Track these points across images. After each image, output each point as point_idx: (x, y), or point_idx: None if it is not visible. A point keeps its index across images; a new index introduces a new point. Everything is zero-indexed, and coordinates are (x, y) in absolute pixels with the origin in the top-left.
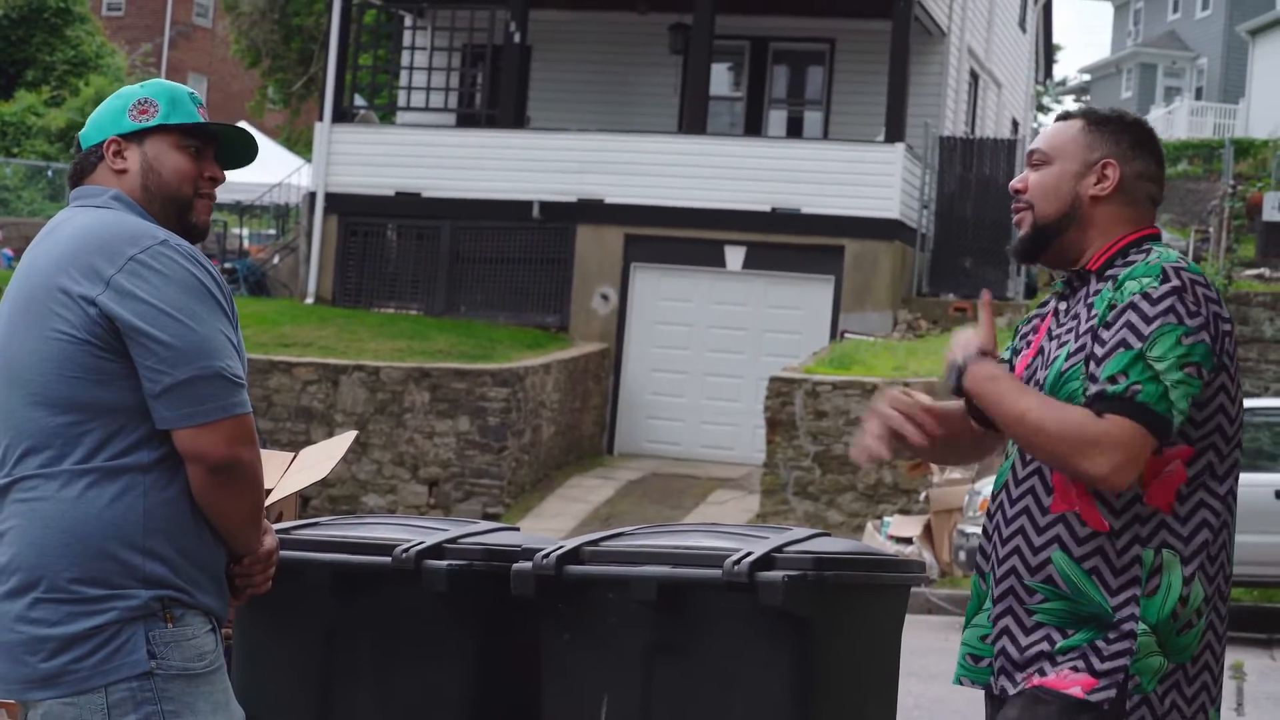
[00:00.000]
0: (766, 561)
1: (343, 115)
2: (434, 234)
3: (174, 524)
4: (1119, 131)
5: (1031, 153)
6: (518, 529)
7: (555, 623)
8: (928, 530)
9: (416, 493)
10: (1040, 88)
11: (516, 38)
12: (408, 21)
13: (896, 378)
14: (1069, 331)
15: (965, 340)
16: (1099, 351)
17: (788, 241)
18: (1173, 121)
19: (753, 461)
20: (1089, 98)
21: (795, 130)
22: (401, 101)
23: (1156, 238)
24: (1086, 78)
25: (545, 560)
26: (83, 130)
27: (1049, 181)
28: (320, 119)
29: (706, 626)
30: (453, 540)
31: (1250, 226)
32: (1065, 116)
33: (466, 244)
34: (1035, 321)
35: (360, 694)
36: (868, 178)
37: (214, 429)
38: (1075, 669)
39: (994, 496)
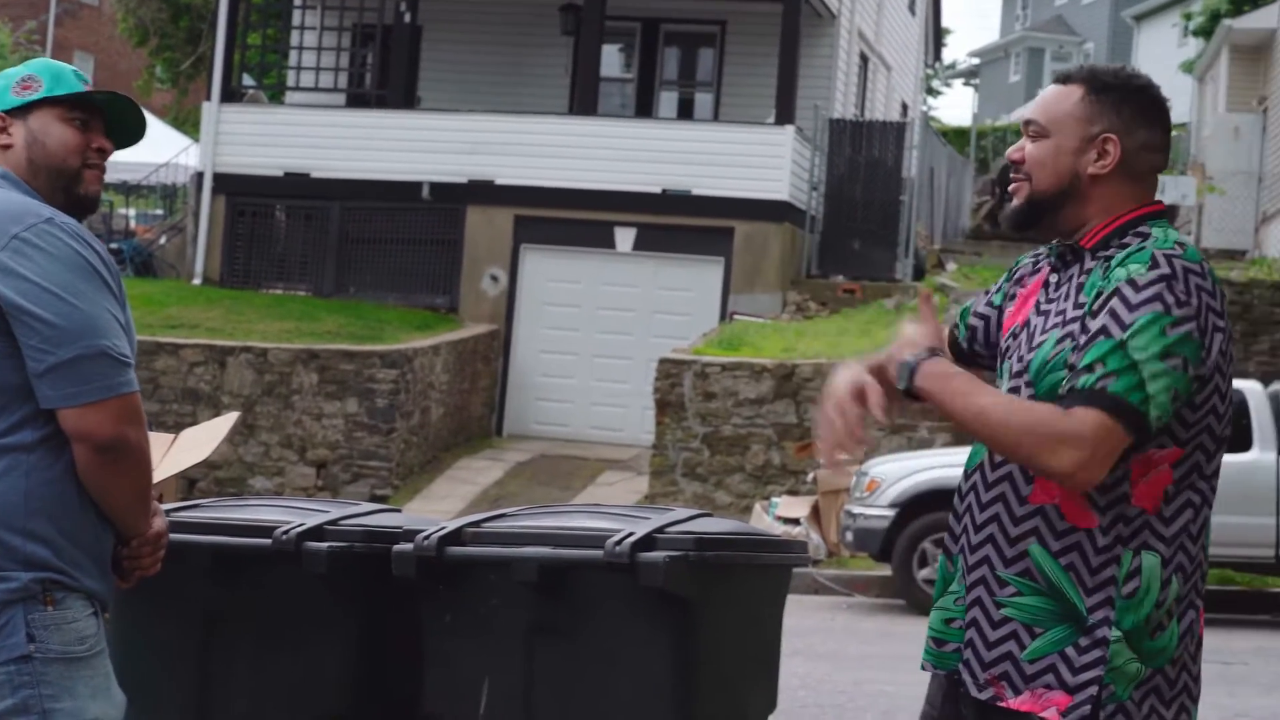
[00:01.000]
0: (648, 542)
1: (231, 95)
2: (323, 215)
3: (57, 505)
4: (1121, 101)
5: (1028, 123)
6: (400, 510)
7: (436, 604)
8: (815, 511)
9: (304, 475)
10: (930, 71)
11: (407, 17)
12: (297, 1)
13: (786, 359)
14: (1058, 313)
15: (910, 337)
16: (1080, 338)
17: (678, 223)
18: None
19: (642, 443)
20: (977, 81)
21: (686, 112)
22: (291, 81)
23: (1159, 214)
24: (976, 61)
25: (426, 542)
26: None
27: (1045, 156)
28: (208, 98)
29: (588, 607)
30: (333, 522)
31: None
32: (1065, 79)
33: (356, 225)
34: (1026, 279)
35: (239, 676)
36: (758, 159)
37: (99, 408)
38: (1048, 686)
39: (966, 475)
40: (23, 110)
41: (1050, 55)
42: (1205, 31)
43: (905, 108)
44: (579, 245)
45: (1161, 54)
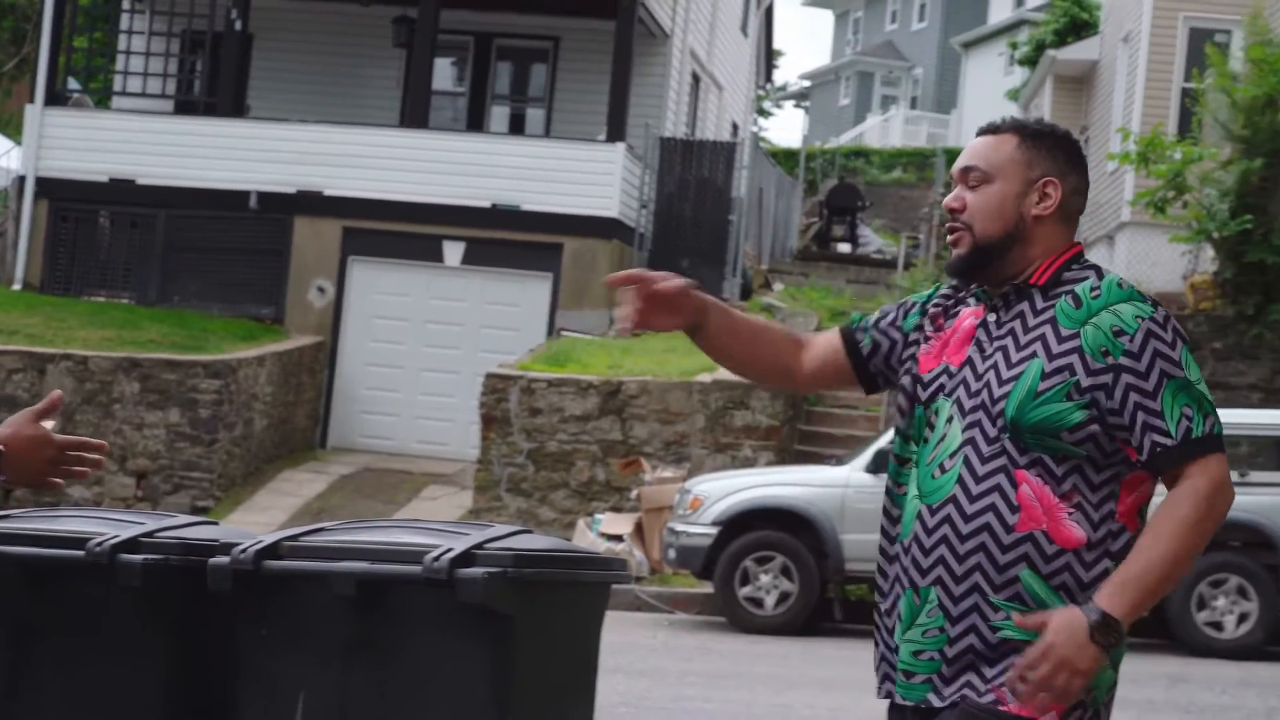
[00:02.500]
0: (466, 558)
1: (56, 98)
2: (149, 222)
3: None
4: (1054, 147)
5: (967, 170)
6: (217, 523)
7: (252, 619)
8: (638, 528)
9: (124, 485)
10: (761, 92)
11: (238, 25)
12: (126, 4)
13: (612, 376)
14: (1025, 346)
15: (1055, 621)
16: (1140, 384)
17: (507, 238)
18: (888, 129)
19: (467, 457)
20: (808, 103)
21: (517, 127)
22: (118, 86)
23: (1083, 254)
24: (807, 83)
25: (243, 555)
26: None
27: (992, 202)
28: (32, 101)
29: (406, 623)
30: (149, 534)
31: None
32: (994, 130)
33: (182, 233)
34: (944, 321)
35: (49, 692)
36: (588, 176)
37: None
38: None
39: (931, 510)
40: None
41: (880, 79)
42: (1030, 61)
43: (736, 128)
44: (407, 258)
45: (988, 81)
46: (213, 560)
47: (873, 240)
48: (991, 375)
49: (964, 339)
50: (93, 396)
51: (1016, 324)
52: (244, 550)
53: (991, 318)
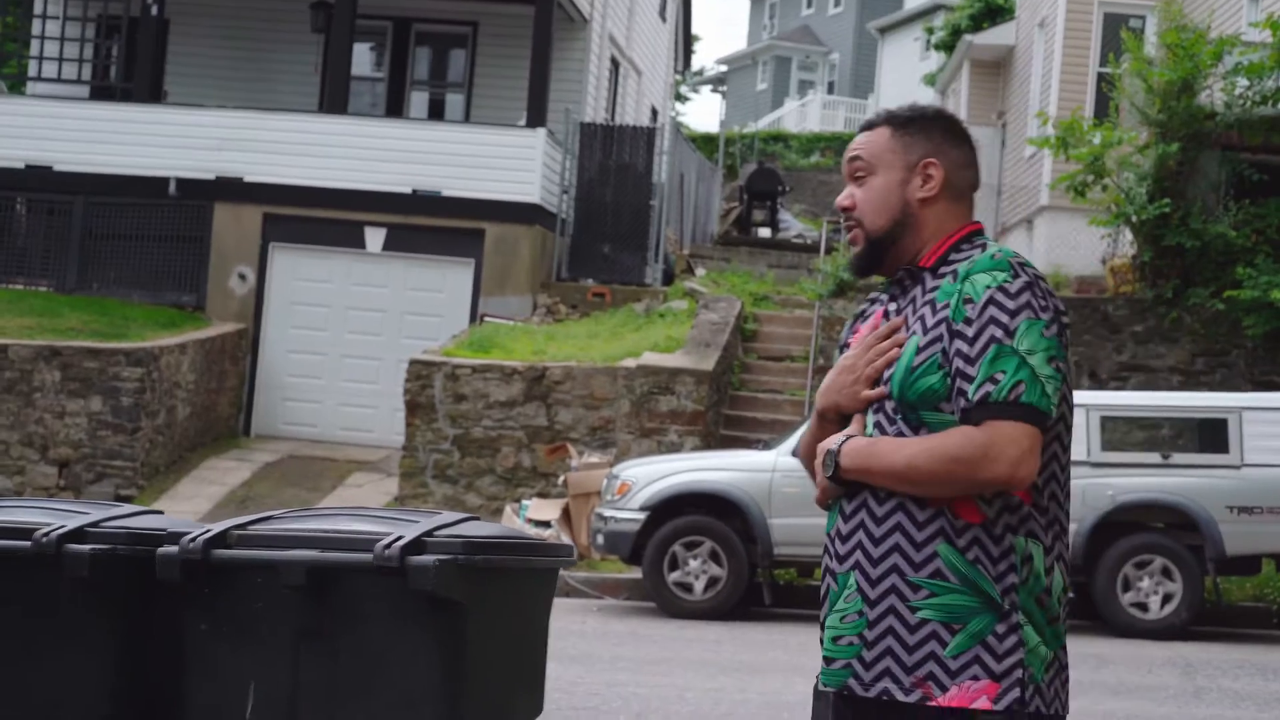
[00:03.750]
0: (417, 546)
1: None
2: (66, 209)
3: None
4: (929, 128)
5: (851, 160)
6: (161, 512)
7: (200, 608)
8: (566, 514)
9: (46, 474)
10: (679, 77)
11: (154, 10)
12: None
13: (536, 361)
14: (909, 328)
15: (835, 435)
16: (964, 349)
17: (428, 224)
18: (806, 114)
19: (391, 444)
20: (725, 88)
21: (437, 112)
22: (32, 72)
23: (980, 232)
24: (724, 68)
25: (192, 544)
26: None
27: (875, 194)
28: None
29: (356, 611)
30: (95, 524)
31: None
32: (869, 126)
33: (100, 220)
34: (860, 323)
35: None
36: (509, 162)
37: None
38: (975, 678)
39: (848, 498)
40: None
41: (797, 64)
42: (947, 46)
43: (655, 113)
44: (329, 245)
45: (904, 66)
46: (161, 550)
47: (793, 225)
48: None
49: (870, 331)
50: (13, 385)
51: (909, 308)
52: (193, 539)
53: (892, 306)
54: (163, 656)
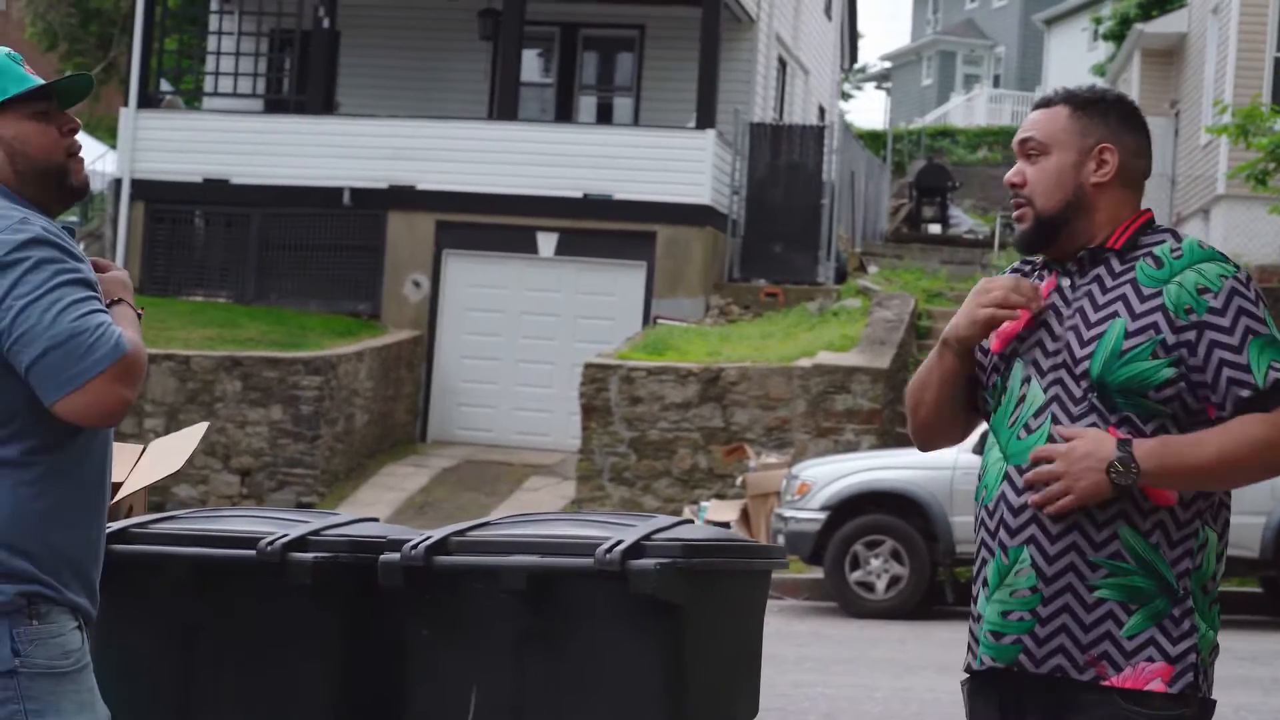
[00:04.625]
0: (637, 549)
1: (148, 100)
2: (243, 221)
3: (44, 519)
4: (1105, 112)
5: (1025, 140)
6: (377, 519)
7: (421, 614)
8: (744, 515)
9: (229, 482)
10: (844, 75)
11: (325, 22)
12: (214, 5)
13: (711, 363)
14: (1104, 306)
15: (1090, 437)
16: (1224, 339)
17: (600, 227)
18: (972, 109)
19: (566, 447)
20: (890, 85)
21: (606, 116)
22: (208, 87)
23: (1154, 220)
24: (888, 65)
25: (414, 551)
26: None
27: (1049, 174)
28: (125, 104)
29: (577, 615)
30: (316, 532)
31: None
32: (1046, 103)
33: (276, 231)
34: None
35: (222, 690)
36: (679, 164)
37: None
38: (1150, 659)
39: (1020, 470)
40: None
41: (962, 58)
42: (1116, 36)
43: (822, 111)
44: (501, 250)
45: (1072, 57)
46: (384, 556)
47: (963, 220)
48: (1071, 335)
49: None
50: (195, 396)
51: (1093, 286)
52: (414, 546)
53: (1065, 282)
54: (384, 662)
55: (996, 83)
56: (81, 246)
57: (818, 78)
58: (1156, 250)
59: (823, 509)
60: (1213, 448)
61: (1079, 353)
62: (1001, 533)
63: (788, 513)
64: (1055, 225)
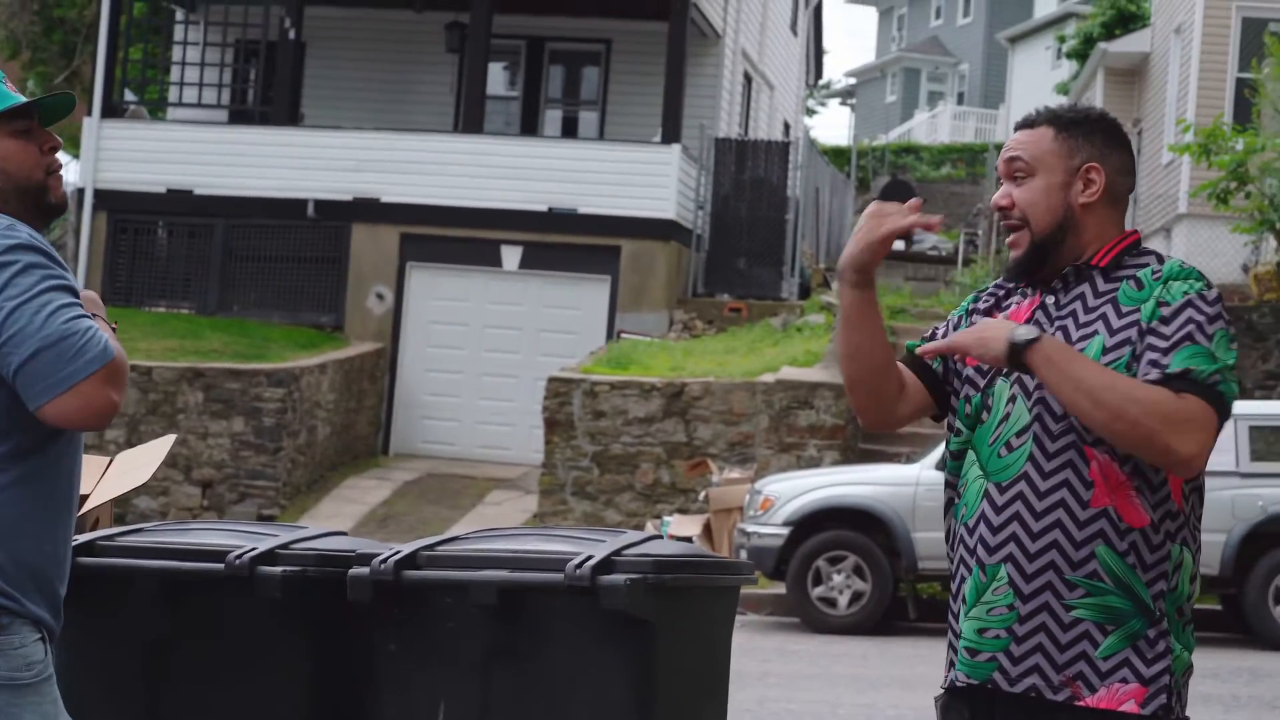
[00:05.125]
0: (607, 565)
1: (112, 110)
2: (206, 232)
3: (11, 529)
4: (1091, 132)
5: (1011, 160)
6: (345, 533)
7: (391, 629)
8: (707, 529)
9: (190, 494)
10: (809, 91)
11: (291, 34)
12: (179, 15)
13: (675, 378)
14: (1085, 325)
15: (989, 323)
16: (1158, 343)
17: (564, 241)
18: (936, 126)
19: (529, 461)
20: (854, 101)
21: (571, 130)
22: (173, 97)
23: (1141, 240)
24: (853, 81)
25: (383, 566)
26: None
27: (1038, 195)
28: (89, 114)
29: (546, 631)
30: (284, 546)
31: None
32: (1029, 124)
33: (240, 242)
34: (990, 308)
35: (190, 703)
36: (644, 178)
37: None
38: (1124, 680)
39: (1000, 488)
40: None
41: (926, 75)
42: (1079, 54)
43: (788, 127)
44: (465, 263)
45: (1036, 75)
46: (353, 571)
47: (928, 237)
48: None
49: (1021, 318)
50: (157, 407)
51: (1077, 305)
52: (384, 561)
53: (1050, 300)
54: (352, 677)
55: (961, 100)
56: None
57: (783, 93)
58: (1140, 274)
59: (785, 524)
60: (1109, 377)
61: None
62: (980, 550)
63: (750, 528)
64: (1048, 247)
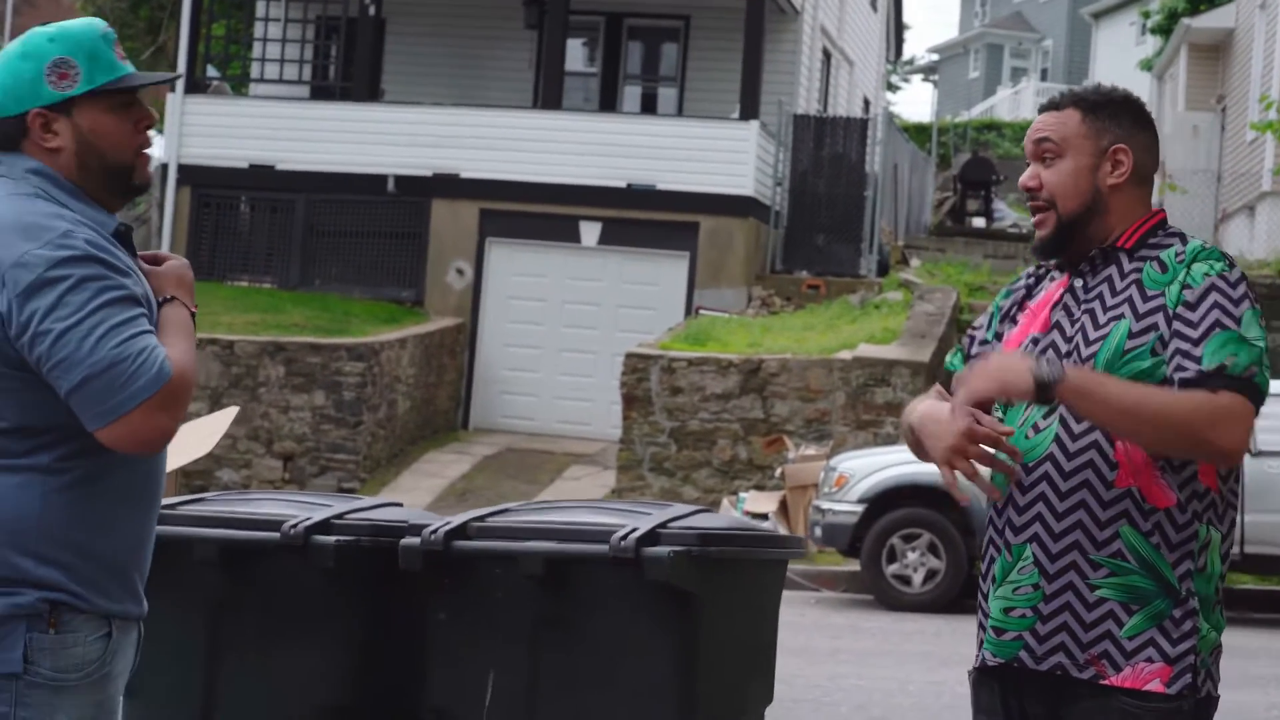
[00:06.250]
0: (652, 537)
1: (195, 86)
2: (288, 207)
3: (74, 525)
4: (1118, 113)
5: (1040, 141)
6: (400, 504)
7: (441, 598)
8: (783, 506)
9: (271, 467)
10: (890, 67)
11: (371, 10)
12: None
13: (752, 354)
14: (1112, 307)
15: (1006, 362)
16: (1187, 331)
17: (643, 217)
18: (1019, 102)
19: (608, 437)
20: (936, 77)
21: (650, 107)
22: (255, 73)
23: (1167, 220)
24: (935, 57)
25: (433, 536)
26: None
27: (1066, 178)
28: (172, 90)
29: (592, 601)
30: (339, 516)
31: None
32: (1055, 106)
33: (321, 217)
34: (1025, 300)
35: (245, 667)
36: (722, 155)
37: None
38: (1149, 660)
39: (1027, 469)
40: (64, 104)
41: (1009, 51)
42: (1163, 30)
43: (867, 103)
44: (544, 239)
45: (1120, 52)
46: (404, 541)
47: (1008, 214)
48: (1079, 337)
49: (1047, 306)
50: (239, 380)
51: (1104, 287)
52: (434, 531)
53: (1078, 283)
54: (403, 645)
55: (1044, 76)
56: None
57: (862, 69)
58: (1163, 255)
59: (860, 501)
60: (1139, 393)
61: (1085, 353)
62: (1008, 530)
63: (825, 505)
64: (1075, 229)
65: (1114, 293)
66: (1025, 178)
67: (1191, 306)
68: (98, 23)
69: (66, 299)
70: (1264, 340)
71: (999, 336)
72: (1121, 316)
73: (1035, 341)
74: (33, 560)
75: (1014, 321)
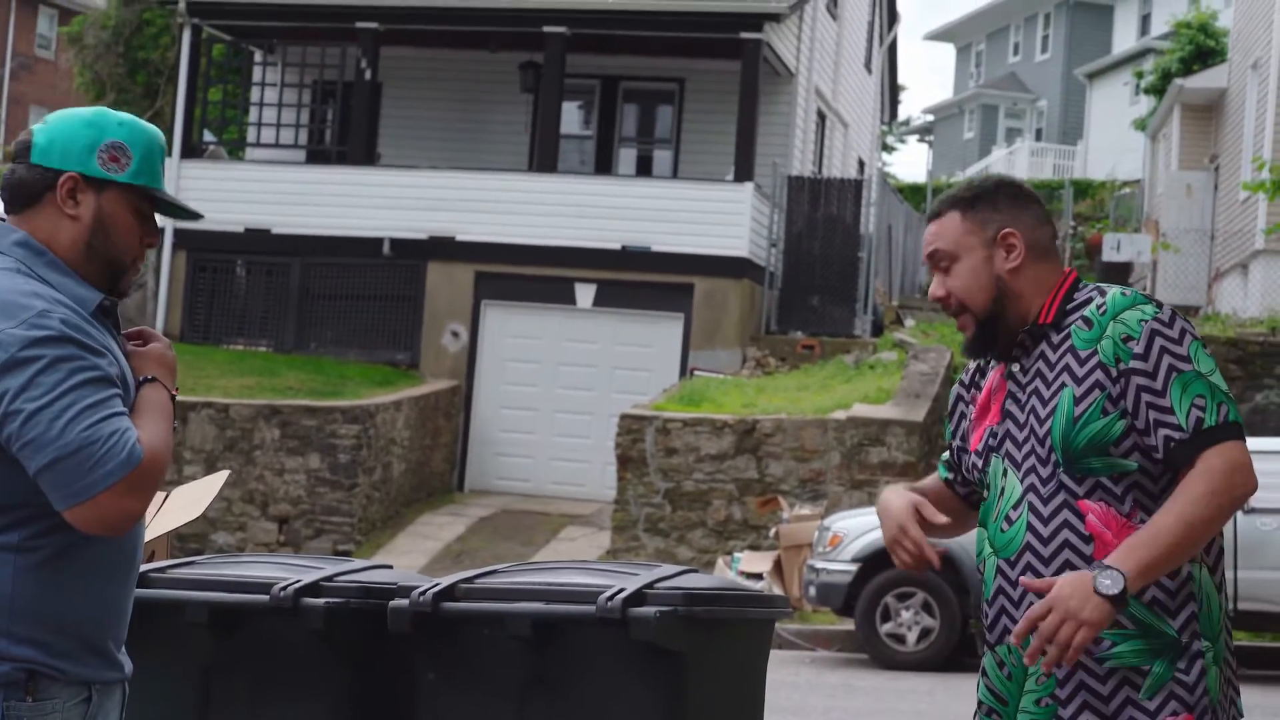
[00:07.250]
0: (638, 597)
1: (192, 150)
2: (284, 270)
3: (46, 601)
4: (994, 200)
5: (933, 254)
6: (390, 566)
7: (430, 659)
8: (778, 566)
9: (267, 530)
10: (885, 128)
11: (367, 75)
12: (258, 57)
13: (746, 415)
14: (1053, 383)
15: (1074, 605)
16: (1147, 384)
17: (638, 279)
18: (1014, 162)
19: (603, 498)
20: (932, 138)
21: (645, 169)
22: (251, 137)
23: (1080, 278)
24: (930, 118)
25: (422, 598)
26: (41, 137)
27: (967, 279)
28: (169, 154)
29: (580, 662)
30: (329, 578)
31: (1090, 266)
32: (936, 215)
33: (317, 281)
34: (972, 394)
35: None
36: (717, 216)
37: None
38: (1174, 713)
39: (1010, 563)
40: (99, 182)
41: (1004, 112)
42: (1157, 90)
43: (862, 165)
44: (540, 301)
45: (1114, 111)
46: (393, 602)
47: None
48: (1032, 418)
49: (995, 398)
50: (234, 443)
51: (1040, 364)
52: (423, 593)
53: (1015, 367)
54: (392, 706)
55: (1039, 136)
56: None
57: (857, 131)
58: (1086, 312)
59: (854, 561)
60: (1170, 522)
61: (1040, 431)
62: (1005, 626)
63: (820, 564)
64: (993, 322)
65: (1051, 367)
66: (932, 290)
67: (1141, 358)
68: (161, 135)
69: (39, 379)
70: (1215, 367)
71: (964, 438)
72: (1064, 385)
73: (993, 434)
74: (5, 640)
75: (971, 411)
